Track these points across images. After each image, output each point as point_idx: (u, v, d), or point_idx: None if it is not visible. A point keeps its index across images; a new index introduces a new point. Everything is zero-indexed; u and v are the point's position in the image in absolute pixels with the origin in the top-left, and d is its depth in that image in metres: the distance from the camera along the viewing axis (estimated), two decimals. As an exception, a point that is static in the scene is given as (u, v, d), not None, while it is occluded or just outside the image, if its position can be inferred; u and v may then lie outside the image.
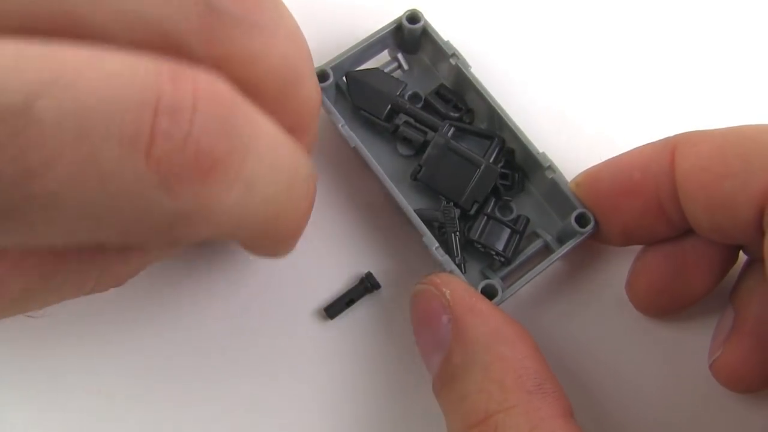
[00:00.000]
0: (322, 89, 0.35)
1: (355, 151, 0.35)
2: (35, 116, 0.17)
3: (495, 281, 0.33)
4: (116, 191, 0.19)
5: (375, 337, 0.36)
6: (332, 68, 0.36)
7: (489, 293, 0.33)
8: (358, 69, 0.38)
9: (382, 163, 0.36)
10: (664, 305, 0.35)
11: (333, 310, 0.36)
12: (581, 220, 0.34)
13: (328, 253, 0.37)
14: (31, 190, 0.18)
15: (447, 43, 0.37)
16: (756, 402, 0.35)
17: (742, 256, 0.35)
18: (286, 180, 0.24)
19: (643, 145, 0.33)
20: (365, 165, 0.35)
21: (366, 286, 0.36)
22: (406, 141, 0.37)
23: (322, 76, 0.36)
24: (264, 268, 0.37)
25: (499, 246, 0.35)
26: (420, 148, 0.37)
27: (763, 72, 0.41)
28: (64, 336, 0.35)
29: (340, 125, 0.35)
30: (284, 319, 0.36)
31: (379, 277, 0.36)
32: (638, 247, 0.36)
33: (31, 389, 0.35)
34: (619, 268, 0.37)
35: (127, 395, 0.35)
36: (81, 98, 0.18)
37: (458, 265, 0.34)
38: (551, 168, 0.35)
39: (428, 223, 0.35)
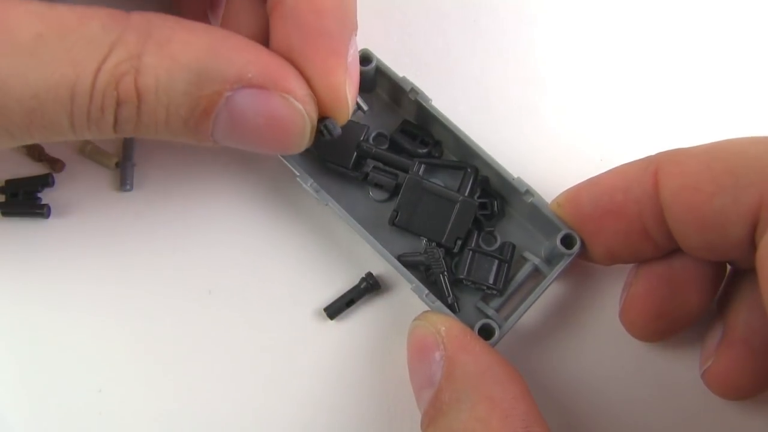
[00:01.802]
0: None
1: (327, 207, 0.34)
2: None
3: (492, 319, 0.33)
4: None
5: (375, 336, 0.36)
6: (290, 125, 0.35)
7: (486, 333, 0.32)
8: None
9: (358, 211, 0.35)
10: (662, 329, 0.34)
11: (333, 310, 0.36)
12: (567, 241, 0.33)
13: (328, 253, 0.37)
14: None
15: (403, 79, 0.36)
16: (752, 413, 0.35)
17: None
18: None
19: (624, 165, 0.33)
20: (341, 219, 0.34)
21: (366, 286, 0.36)
22: (378, 186, 0.36)
23: (281, 136, 0.35)
24: (264, 268, 0.37)
25: (490, 279, 0.34)
26: (393, 191, 0.36)
27: (739, 88, 0.41)
28: (64, 336, 0.36)
29: (308, 185, 0.34)
30: (284, 319, 0.36)
31: (379, 277, 0.36)
32: (627, 267, 0.35)
33: (30, 389, 0.35)
34: (608, 286, 0.36)
35: (128, 395, 0.35)
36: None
37: (450, 306, 0.34)
38: (529, 192, 0.34)
39: (414, 267, 0.34)
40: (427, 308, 0.34)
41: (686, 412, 0.35)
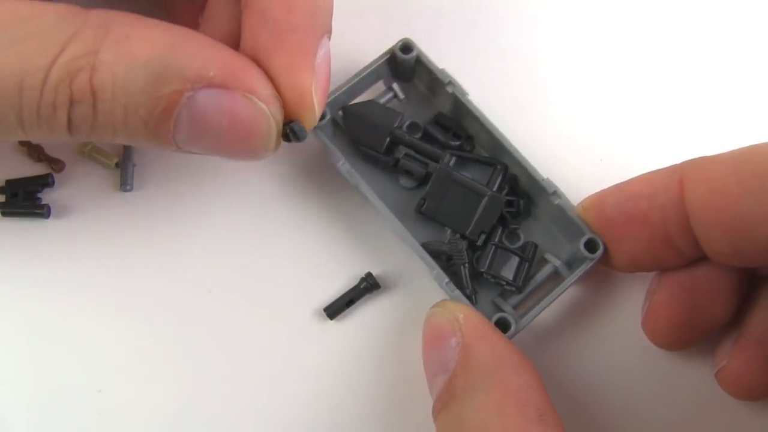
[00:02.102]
0: (320, 127, 0.35)
1: (356, 189, 0.35)
2: None
3: (508, 313, 0.33)
4: None
5: (375, 337, 0.36)
6: (328, 104, 0.35)
7: (502, 326, 0.32)
8: (353, 102, 0.37)
9: (385, 196, 0.35)
10: (685, 338, 0.34)
11: (333, 310, 0.36)
12: (590, 245, 0.34)
13: (328, 253, 0.37)
14: None
15: (442, 71, 0.36)
16: (764, 414, 0.35)
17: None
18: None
19: (650, 173, 0.33)
20: (368, 201, 0.35)
21: (366, 286, 0.36)
22: (408, 173, 0.36)
23: (318, 114, 0.35)
24: (264, 268, 0.37)
25: (509, 275, 0.34)
26: (422, 180, 0.36)
27: (741, 88, 0.41)
28: (64, 336, 0.36)
29: (339, 163, 0.35)
30: (284, 319, 0.36)
31: (379, 277, 0.36)
32: (646, 275, 0.35)
33: (30, 389, 0.35)
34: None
35: (128, 395, 0.35)
36: None
37: (469, 297, 0.34)
38: (557, 194, 0.35)
39: (436, 255, 0.34)
40: (444, 297, 0.34)
41: (698, 411, 0.35)
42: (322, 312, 0.36)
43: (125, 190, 0.38)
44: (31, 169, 0.38)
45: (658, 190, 0.32)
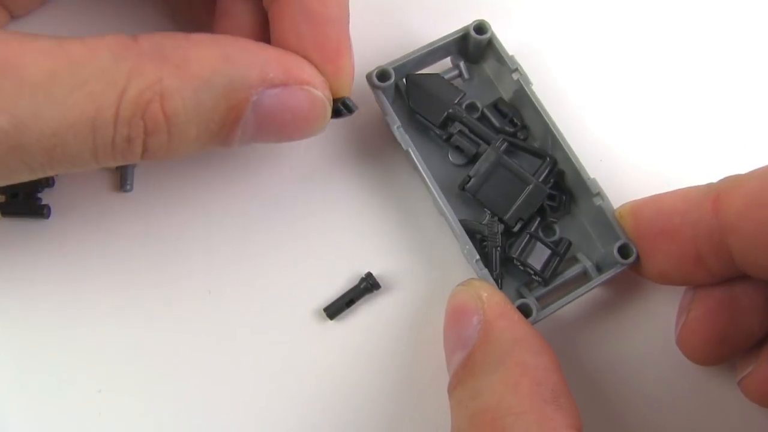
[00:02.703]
0: (382, 89, 0.36)
1: (407, 154, 0.35)
2: None
3: (530, 301, 0.33)
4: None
5: (375, 337, 0.36)
6: (394, 68, 0.36)
7: (524, 312, 0.33)
8: (418, 72, 0.38)
9: (432, 168, 0.36)
10: (722, 354, 0.34)
11: (333, 310, 0.36)
12: (624, 251, 0.34)
13: (328, 253, 0.37)
14: None
15: (512, 57, 0.37)
16: None
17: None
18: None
19: (688, 188, 0.33)
20: (414, 168, 0.35)
21: (366, 286, 0.36)
22: (459, 150, 0.37)
23: (383, 75, 0.36)
24: (264, 268, 0.37)
25: (538, 266, 0.35)
26: (471, 159, 0.37)
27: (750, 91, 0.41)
28: (64, 336, 0.36)
29: (395, 126, 0.35)
30: (284, 319, 0.36)
31: (379, 277, 0.36)
32: (677, 288, 0.36)
33: (30, 389, 0.35)
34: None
35: (128, 395, 0.35)
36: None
37: (495, 279, 0.34)
38: (600, 195, 0.35)
39: (471, 234, 0.35)
40: (470, 276, 0.34)
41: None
42: (322, 312, 0.36)
43: (125, 191, 0.38)
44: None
45: (692, 207, 0.32)
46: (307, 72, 0.31)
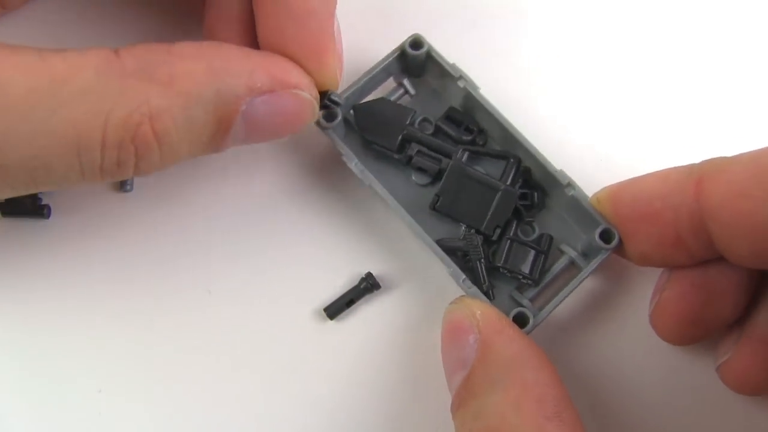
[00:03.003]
0: (332, 128, 0.35)
1: (370, 188, 0.35)
2: None
3: (526, 309, 0.33)
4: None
5: (375, 337, 0.36)
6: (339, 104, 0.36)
7: (520, 321, 0.33)
8: (364, 101, 0.37)
9: (398, 194, 0.35)
10: (693, 335, 0.34)
11: (333, 310, 0.36)
12: (605, 235, 0.34)
13: (328, 253, 0.37)
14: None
15: (453, 65, 0.36)
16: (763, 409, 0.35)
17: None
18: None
19: (668, 170, 0.33)
20: (382, 200, 0.35)
21: (366, 286, 0.36)
22: (421, 170, 0.36)
23: (329, 115, 0.35)
24: (264, 268, 0.37)
25: (526, 269, 0.35)
26: (436, 176, 0.36)
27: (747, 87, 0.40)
28: (64, 336, 0.36)
29: (353, 164, 0.35)
30: (284, 319, 0.36)
31: (379, 277, 0.36)
32: (656, 274, 0.35)
33: (30, 389, 0.35)
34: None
35: (128, 395, 0.35)
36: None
37: (486, 293, 0.34)
38: (570, 185, 0.35)
39: (452, 252, 0.35)
40: (458, 295, 0.34)
41: (698, 403, 0.35)
42: (322, 312, 0.36)
43: (125, 191, 0.38)
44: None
45: (673, 190, 0.32)
46: (294, 75, 0.31)
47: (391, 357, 0.36)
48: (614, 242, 0.33)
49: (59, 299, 0.36)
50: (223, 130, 0.30)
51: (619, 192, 0.34)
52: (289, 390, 0.35)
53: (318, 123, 0.35)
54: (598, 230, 0.34)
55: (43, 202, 0.37)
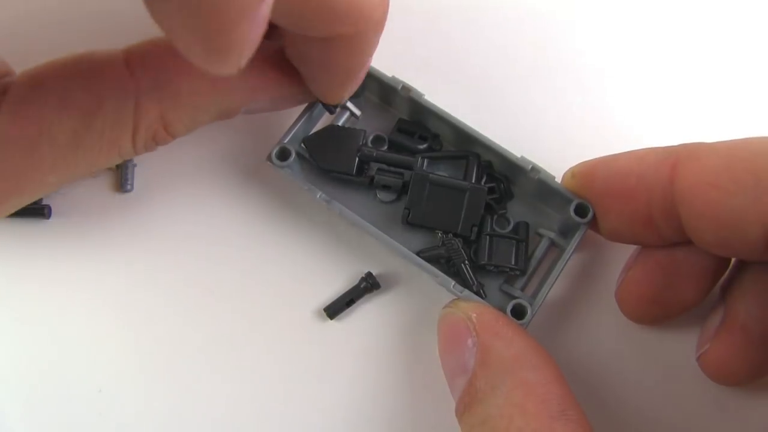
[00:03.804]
0: (289, 166, 0.35)
1: (341, 216, 0.34)
2: None
3: (522, 299, 0.33)
4: None
5: (375, 336, 0.36)
6: (288, 142, 0.35)
7: (518, 313, 0.33)
8: (313, 133, 0.37)
9: (369, 215, 0.35)
10: (655, 315, 0.35)
11: (333, 310, 0.36)
12: (580, 210, 0.34)
13: (328, 253, 0.37)
14: None
15: (393, 78, 0.36)
16: (743, 399, 0.35)
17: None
18: None
19: (644, 150, 0.33)
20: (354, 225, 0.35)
21: (366, 286, 0.36)
22: (386, 187, 0.36)
23: (282, 154, 0.35)
24: (264, 268, 0.37)
25: (510, 261, 0.34)
26: (401, 190, 0.36)
27: (746, 80, 0.41)
28: (64, 336, 0.36)
29: (317, 196, 0.34)
30: (284, 319, 0.36)
31: (379, 277, 0.36)
32: (630, 250, 0.36)
33: (31, 389, 0.35)
34: (616, 269, 0.37)
35: (128, 395, 0.35)
36: None
37: (477, 293, 0.34)
38: (535, 168, 0.35)
39: (435, 260, 0.34)
40: (450, 297, 0.34)
41: (679, 394, 0.35)
42: (322, 312, 0.36)
43: (125, 191, 0.38)
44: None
45: (649, 170, 0.32)
46: (288, 90, 0.33)
47: (391, 356, 0.36)
48: (589, 215, 0.34)
49: (59, 299, 0.36)
50: (227, 118, 0.34)
51: (595, 167, 0.34)
52: (289, 390, 0.35)
53: (273, 164, 0.35)
54: (572, 206, 0.34)
55: (43, 202, 0.37)
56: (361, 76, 0.33)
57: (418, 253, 0.34)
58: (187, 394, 0.35)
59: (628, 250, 0.36)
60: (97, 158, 0.31)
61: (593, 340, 0.36)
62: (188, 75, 0.31)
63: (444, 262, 0.35)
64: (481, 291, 0.34)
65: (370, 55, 0.32)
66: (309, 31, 0.28)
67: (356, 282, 0.36)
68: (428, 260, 0.34)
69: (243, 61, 0.23)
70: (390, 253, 0.37)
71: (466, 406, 0.30)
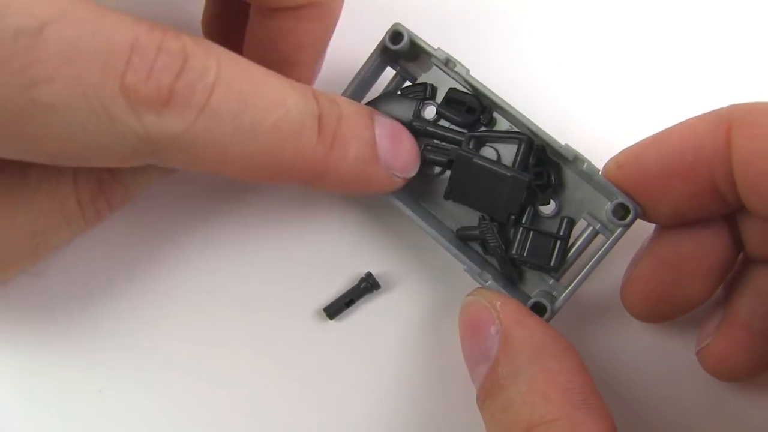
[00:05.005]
0: None
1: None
2: (43, 38, 0.23)
3: (543, 299, 0.33)
4: (96, 108, 0.24)
5: (374, 336, 0.37)
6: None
7: (539, 311, 0.33)
8: (367, 102, 0.36)
9: (414, 186, 0.35)
10: (660, 313, 0.33)
11: (333, 310, 0.37)
12: (620, 211, 0.32)
13: (328, 253, 0.38)
14: (34, 96, 0.24)
15: (438, 50, 0.34)
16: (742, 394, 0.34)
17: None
18: (265, 113, 0.28)
19: (693, 120, 0.30)
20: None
21: (366, 286, 0.37)
22: (433, 162, 0.36)
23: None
24: (264, 268, 0.37)
25: (545, 259, 0.34)
26: (448, 165, 0.35)
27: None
28: (64, 336, 0.37)
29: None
30: (284, 319, 0.37)
31: (379, 277, 0.37)
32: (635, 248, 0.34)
33: (30, 389, 0.36)
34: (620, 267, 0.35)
35: (128, 395, 0.36)
36: (80, 31, 0.24)
37: (509, 276, 0.34)
38: (578, 159, 0.32)
39: (471, 240, 0.35)
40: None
41: (678, 388, 0.35)
42: (322, 312, 0.37)
43: None
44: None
45: (704, 141, 0.30)
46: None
47: (391, 356, 0.37)
48: (630, 218, 0.32)
49: (58, 299, 0.37)
50: None
51: (643, 151, 0.32)
52: (289, 389, 0.36)
53: None
54: (611, 205, 0.32)
55: None
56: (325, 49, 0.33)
57: (457, 231, 0.34)
58: (187, 393, 0.36)
59: (633, 247, 0.34)
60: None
61: (593, 340, 0.36)
62: (214, 87, 0.28)
63: (480, 244, 0.35)
64: (515, 277, 0.34)
65: (337, 18, 0.32)
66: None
67: (356, 282, 0.37)
68: (465, 239, 0.34)
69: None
70: (390, 253, 0.37)
71: (488, 392, 0.31)
